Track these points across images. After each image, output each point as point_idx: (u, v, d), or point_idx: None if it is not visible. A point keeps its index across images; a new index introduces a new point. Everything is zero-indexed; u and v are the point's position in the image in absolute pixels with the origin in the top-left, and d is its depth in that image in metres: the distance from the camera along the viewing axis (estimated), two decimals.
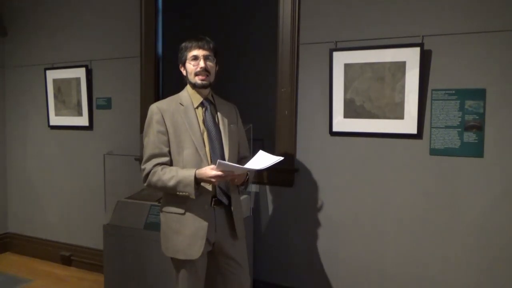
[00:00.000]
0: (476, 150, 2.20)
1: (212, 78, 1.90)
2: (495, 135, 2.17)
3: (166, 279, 2.39)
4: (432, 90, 2.28)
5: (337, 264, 2.59)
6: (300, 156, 2.65)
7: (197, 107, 1.91)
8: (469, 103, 2.20)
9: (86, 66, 3.32)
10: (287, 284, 2.73)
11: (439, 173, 2.29)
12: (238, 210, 1.96)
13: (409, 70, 2.29)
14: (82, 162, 3.45)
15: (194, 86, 1.89)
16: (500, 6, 2.13)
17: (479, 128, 2.19)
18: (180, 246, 1.83)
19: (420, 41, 2.27)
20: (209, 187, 1.84)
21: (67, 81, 3.43)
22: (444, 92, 2.25)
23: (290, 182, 2.67)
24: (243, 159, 2.06)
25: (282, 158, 1.83)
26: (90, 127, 3.38)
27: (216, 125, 1.92)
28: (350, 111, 2.47)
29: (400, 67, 2.32)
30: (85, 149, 3.43)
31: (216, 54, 1.92)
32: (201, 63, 1.85)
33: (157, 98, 3.04)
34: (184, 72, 1.92)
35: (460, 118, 2.22)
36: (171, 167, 1.83)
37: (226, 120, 1.96)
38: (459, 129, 2.23)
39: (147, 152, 1.86)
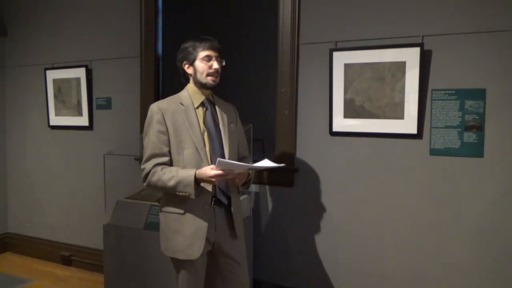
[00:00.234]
0: (476, 150, 2.20)
1: (219, 79, 1.92)
2: (495, 135, 2.17)
3: (166, 279, 2.39)
4: (432, 90, 2.28)
5: (337, 264, 2.59)
6: (300, 156, 2.65)
7: (197, 107, 1.91)
8: (469, 103, 2.20)
9: (86, 66, 3.32)
10: (287, 284, 2.73)
11: (439, 173, 2.29)
12: (237, 210, 1.97)
13: (409, 70, 2.29)
14: (82, 162, 3.45)
15: (203, 86, 1.89)
16: (500, 6, 2.13)
17: (479, 128, 2.19)
18: (180, 246, 1.83)
19: (420, 41, 2.27)
20: (209, 187, 1.84)
21: (67, 81, 3.43)
22: (444, 92, 2.25)
23: (290, 182, 2.67)
24: (243, 159, 2.06)
25: (283, 165, 1.87)
26: (90, 127, 3.38)
27: (217, 125, 1.92)
28: (350, 111, 2.47)
29: (400, 67, 2.32)
30: (85, 149, 3.43)
31: (223, 56, 1.95)
32: (215, 64, 1.86)
33: (157, 98, 3.04)
34: (190, 71, 1.90)
35: (460, 118, 2.22)
36: (171, 167, 1.83)
37: (226, 120, 1.96)
38: (459, 129, 2.23)
39: (147, 152, 1.86)
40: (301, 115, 2.64)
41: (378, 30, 2.39)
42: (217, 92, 2.07)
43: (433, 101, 2.28)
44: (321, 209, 2.61)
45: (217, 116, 1.95)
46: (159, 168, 1.82)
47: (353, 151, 2.50)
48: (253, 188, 2.79)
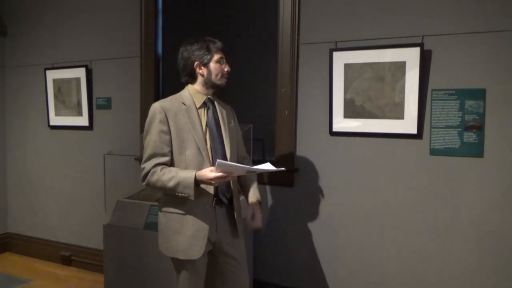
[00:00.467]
0: (476, 150, 2.20)
1: None
2: (495, 135, 2.17)
3: (166, 279, 2.39)
4: (432, 90, 2.28)
5: (337, 264, 2.59)
6: (300, 156, 2.65)
7: (199, 107, 1.91)
8: (469, 103, 2.20)
9: (86, 66, 3.33)
10: (287, 284, 2.74)
11: (439, 173, 2.29)
12: (238, 209, 1.97)
13: (409, 70, 2.29)
14: (82, 162, 3.45)
15: (215, 86, 1.93)
16: (500, 6, 2.13)
17: (479, 128, 2.19)
18: (181, 246, 1.83)
19: (420, 41, 2.27)
20: (210, 189, 1.84)
21: (67, 81, 3.43)
22: (444, 92, 2.25)
23: (290, 182, 2.67)
24: (243, 160, 2.08)
25: (283, 169, 1.87)
26: (90, 127, 3.38)
27: (218, 125, 1.93)
28: (350, 111, 2.47)
29: (400, 67, 2.32)
30: (85, 149, 3.43)
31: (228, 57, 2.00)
32: (228, 67, 1.93)
33: (157, 98, 3.04)
34: (202, 72, 1.90)
35: (460, 118, 2.22)
36: (171, 168, 1.83)
37: (226, 120, 1.97)
38: (459, 129, 2.23)
39: (147, 151, 1.86)
40: (301, 115, 2.64)
41: (378, 30, 2.40)
42: (217, 92, 2.07)
43: (433, 101, 2.28)
44: (321, 209, 2.61)
45: (218, 116, 1.95)
46: (158, 168, 1.81)
47: (353, 151, 2.50)
48: None
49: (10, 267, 3.54)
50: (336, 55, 2.47)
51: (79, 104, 3.40)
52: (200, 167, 1.80)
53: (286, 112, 2.65)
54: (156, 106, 1.86)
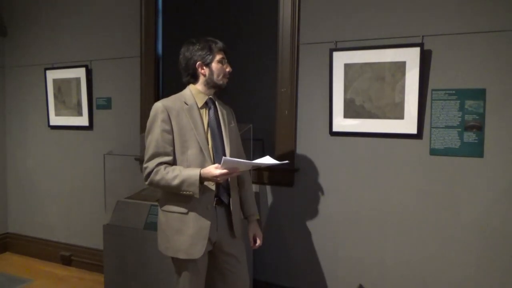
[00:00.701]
0: (476, 150, 2.20)
1: None
2: (495, 135, 2.17)
3: (166, 279, 2.39)
4: (432, 90, 2.28)
5: (337, 264, 2.59)
6: (300, 156, 2.65)
7: (201, 107, 1.92)
8: (469, 103, 2.20)
9: (86, 66, 3.33)
10: (287, 284, 2.74)
11: (439, 173, 2.29)
12: (236, 209, 1.97)
13: (409, 70, 2.29)
14: (82, 162, 3.45)
15: (216, 86, 1.93)
16: (500, 6, 2.13)
17: (479, 128, 2.19)
18: (182, 246, 1.83)
19: (420, 41, 2.27)
20: (212, 186, 1.84)
21: (67, 81, 3.43)
22: (444, 92, 2.26)
23: (290, 182, 2.67)
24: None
25: (287, 161, 1.89)
26: (90, 127, 3.39)
27: (219, 125, 1.94)
28: (350, 111, 2.47)
29: (400, 67, 2.32)
30: (85, 149, 3.43)
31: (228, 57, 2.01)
32: (229, 67, 1.94)
33: (157, 98, 3.04)
34: (204, 72, 1.91)
35: (460, 118, 2.22)
36: (174, 166, 1.83)
37: (226, 120, 1.98)
38: (459, 129, 2.23)
39: (150, 151, 1.85)
40: (301, 115, 2.64)
41: (378, 30, 2.40)
42: (217, 92, 2.07)
43: (433, 101, 2.28)
44: (321, 209, 2.61)
45: (219, 117, 1.96)
46: (162, 167, 1.82)
47: (353, 151, 2.50)
48: (253, 188, 2.79)
49: (10, 267, 3.53)
50: (336, 55, 2.47)
51: (79, 104, 3.40)
52: (202, 167, 1.81)
53: (286, 112, 2.65)
54: (158, 105, 1.86)
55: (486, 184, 2.20)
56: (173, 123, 1.84)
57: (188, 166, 1.83)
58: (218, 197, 1.89)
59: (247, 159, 2.14)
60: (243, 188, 2.07)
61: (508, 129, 2.14)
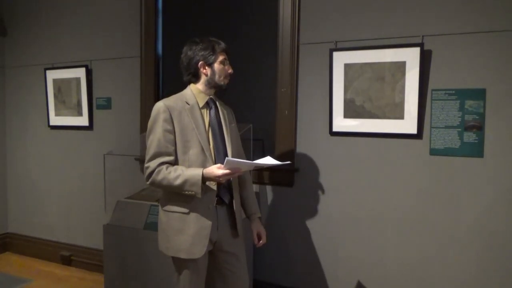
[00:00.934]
0: (476, 150, 2.20)
1: None
2: (495, 135, 2.17)
3: (166, 279, 2.39)
4: (432, 90, 2.28)
5: (337, 264, 2.59)
6: (300, 156, 2.65)
7: (202, 107, 1.92)
8: (469, 103, 2.20)
9: (86, 66, 3.33)
10: (287, 284, 2.74)
11: (439, 173, 2.29)
12: (238, 209, 1.98)
13: (409, 70, 2.29)
14: (82, 162, 3.45)
15: (217, 87, 1.94)
16: (500, 6, 2.13)
17: (479, 128, 2.19)
18: (183, 245, 1.83)
19: (420, 41, 2.27)
20: (213, 186, 1.84)
21: (67, 81, 3.43)
22: (444, 92, 2.26)
23: (290, 182, 2.67)
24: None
25: (289, 162, 1.89)
26: (90, 127, 3.39)
27: (220, 125, 1.94)
28: (350, 111, 2.47)
29: (400, 67, 2.32)
30: (85, 149, 3.43)
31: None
32: (231, 69, 1.95)
33: (157, 98, 3.04)
34: (206, 72, 1.91)
35: (460, 118, 2.22)
36: (176, 166, 1.83)
37: (227, 120, 1.98)
38: (459, 129, 2.23)
39: (151, 150, 1.85)
40: (301, 115, 2.64)
41: (378, 30, 2.40)
42: (218, 92, 2.07)
43: (433, 101, 2.28)
44: (321, 209, 2.61)
45: (220, 117, 1.96)
46: (164, 166, 1.82)
47: (353, 151, 2.50)
48: (254, 188, 2.79)
49: (10, 267, 3.53)
50: (336, 55, 2.47)
51: (79, 104, 3.40)
52: (204, 167, 1.81)
53: (286, 112, 2.65)
54: (160, 105, 1.86)
55: (486, 184, 2.20)
56: (175, 123, 1.84)
57: (189, 166, 1.83)
58: (219, 196, 1.89)
59: (247, 159, 2.14)
60: (244, 187, 2.07)
61: (508, 129, 2.14)
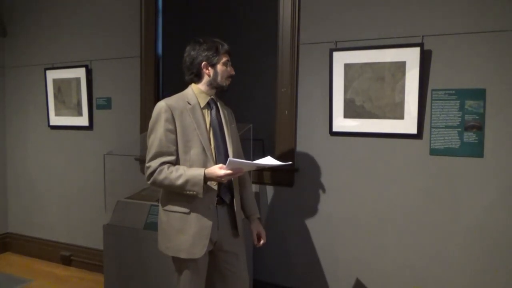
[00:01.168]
0: (476, 150, 2.20)
1: None
2: (495, 135, 2.17)
3: (166, 279, 2.39)
4: (432, 90, 2.28)
5: (337, 264, 2.59)
6: (300, 156, 2.65)
7: (203, 107, 1.92)
8: (469, 103, 2.20)
9: (86, 66, 3.33)
10: (287, 284, 2.74)
11: (439, 173, 2.29)
12: (239, 209, 1.99)
13: (409, 70, 2.29)
14: (82, 162, 3.45)
15: (219, 87, 1.95)
16: (500, 6, 2.13)
17: (479, 128, 2.19)
18: (183, 245, 1.83)
19: (420, 41, 2.27)
20: (214, 186, 1.85)
21: (67, 81, 3.43)
22: (444, 92, 2.26)
23: (290, 182, 2.67)
24: None
25: (290, 162, 1.89)
26: (90, 127, 3.39)
27: (221, 125, 1.94)
28: (350, 111, 2.47)
29: (400, 67, 2.32)
30: (85, 149, 3.43)
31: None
32: (233, 70, 1.97)
33: (157, 98, 3.05)
34: (208, 72, 1.91)
35: (460, 118, 2.22)
36: (178, 166, 1.84)
37: (227, 120, 1.99)
38: (459, 129, 2.23)
39: (152, 150, 1.85)
40: (301, 115, 2.64)
41: (378, 30, 2.40)
42: (218, 92, 2.07)
43: (433, 101, 2.28)
44: (321, 209, 2.61)
45: (221, 117, 1.96)
46: (165, 166, 1.82)
47: (353, 151, 2.50)
48: (253, 188, 2.79)
49: (10, 267, 3.53)
50: (336, 55, 2.47)
51: (79, 104, 3.40)
52: (205, 167, 1.82)
53: (286, 112, 2.65)
54: (162, 105, 1.86)
55: (486, 184, 2.20)
56: (177, 122, 1.84)
57: (190, 166, 1.83)
58: (219, 196, 1.89)
59: (246, 159, 2.14)
60: (244, 187, 2.07)
61: (508, 129, 2.14)
